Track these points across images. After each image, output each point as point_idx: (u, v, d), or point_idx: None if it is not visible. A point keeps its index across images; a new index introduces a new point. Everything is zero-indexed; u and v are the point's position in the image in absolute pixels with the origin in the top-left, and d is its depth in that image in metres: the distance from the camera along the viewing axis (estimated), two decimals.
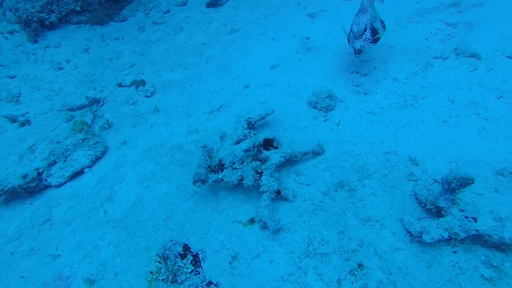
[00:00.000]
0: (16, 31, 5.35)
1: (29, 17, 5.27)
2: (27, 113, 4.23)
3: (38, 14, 5.36)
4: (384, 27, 3.43)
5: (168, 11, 6.71)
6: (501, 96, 2.80)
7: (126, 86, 4.68)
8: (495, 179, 2.16)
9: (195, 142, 3.39)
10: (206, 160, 2.62)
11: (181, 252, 2.18)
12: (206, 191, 2.72)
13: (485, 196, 2.07)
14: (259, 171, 2.44)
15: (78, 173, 3.28)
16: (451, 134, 2.57)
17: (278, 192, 2.35)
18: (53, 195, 3.09)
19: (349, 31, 3.31)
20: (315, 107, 3.23)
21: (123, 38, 5.96)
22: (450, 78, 3.14)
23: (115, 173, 3.28)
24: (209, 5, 6.41)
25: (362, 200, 2.27)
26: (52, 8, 5.50)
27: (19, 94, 4.50)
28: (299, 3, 5.64)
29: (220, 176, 2.49)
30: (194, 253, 2.22)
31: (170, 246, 2.21)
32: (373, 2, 3.64)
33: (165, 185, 3.01)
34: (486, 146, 2.40)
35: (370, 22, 3.09)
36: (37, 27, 5.40)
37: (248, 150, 2.57)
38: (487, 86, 2.93)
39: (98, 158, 3.43)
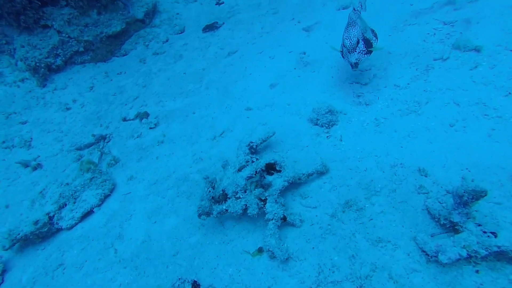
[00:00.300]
0: (27, 78, 5.60)
1: (37, 64, 5.51)
2: (39, 156, 4.35)
3: (45, 59, 5.60)
4: (376, 37, 3.38)
5: (167, 40, 6.87)
6: (510, 93, 2.67)
7: (130, 120, 4.77)
8: None
9: (199, 172, 3.37)
10: (209, 191, 2.59)
11: None
12: (213, 223, 2.68)
13: (504, 206, 1.94)
14: (263, 198, 2.39)
15: (88, 213, 3.31)
16: (460, 139, 2.46)
17: (284, 219, 2.29)
18: (65, 238, 3.12)
19: (340, 46, 3.28)
20: (316, 124, 3.18)
21: (125, 72, 6.12)
22: (453, 79, 3.03)
23: (124, 210, 3.29)
24: (205, 30, 6.53)
25: (371, 219, 2.17)
26: (58, 52, 5.74)
27: (31, 138, 4.65)
28: (293, 18, 5.68)
29: (224, 207, 2.45)
30: None
31: (179, 285, 2.17)
32: (360, 13, 3.59)
33: (173, 218, 2.99)
34: (498, 149, 2.27)
35: (361, 34, 3.06)
36: (45, 72, 5.63)
37: (250, 177, 2.53)
38: (493, 84, 2.81)
39: (107, 196, 3.47)
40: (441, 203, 2.01)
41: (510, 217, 1.84)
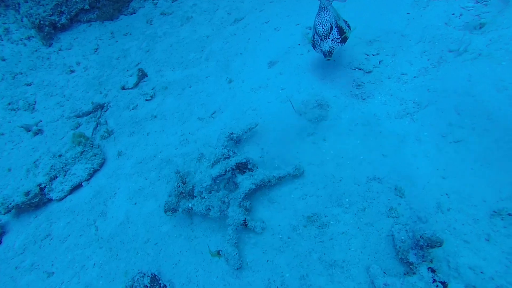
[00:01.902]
0: (33, 37, 5.57)
1: (42, 22, 5.43)
2: (41, 121, 4.48)
3: (50, 17, 5.49)
4: (349, 27, 2.93)
5: None
6: None
7: (129, 89, 4.71)
8: (490, 222, 1.82)
9: (183, 156, 3.34)
10: (179, 186, 2.57)
11: (148, 285, 2.21)
12: (183, 215, 2.70)
13: (472, 246, 1.76)
14: (226, 201, 2.34)
15: (77, 187, 3.44)
16: (449, 158, 2.19)
17: (244, 224, 2.24)
18: (54, 209, 3.30)
19: (312, 34, 2.91)
20: (304, 117, 2.97)
21: (131, 34, 5.93)
22: (463, 80, 2.65)
23: (109, 186, 3.38)
24: None
25: (332, 239, 2.08)
26: (62, 10, 5.60)
27: (35, 101, 4.76)
28: None
29: (190, 205, 2.44)
30: (161, 286, 2.25)
31: (138, 278, 2.26)
32: (331, 2, 3.09)
33: (152, 202, 3.04)
34: (487, 176, 2.01)
35: (334, 20, 2.69)
36: (50, 31, 5.56)
37: (219, 176, 2.46)
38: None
39: (96, 171, 3.56)
40: (407, 232, 1.87)
41: (474, 260, 1.67)
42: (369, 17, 3.84)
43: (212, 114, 3.73)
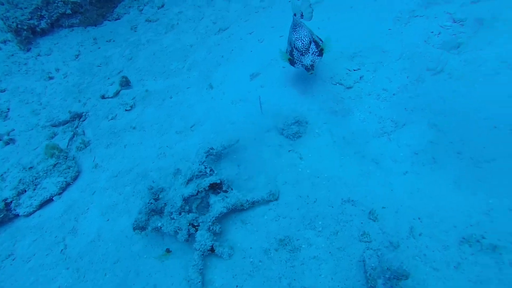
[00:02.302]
0: (9, 40, 5.41)
1: (19, 26, 5.27)
2: (13, 130, 4.32)
3: (28, 21, 5.34)
4: (320, 40, 3.02)
5: (162, 6, 6.41)
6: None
7: (109, 98, 4.60)
8: (459, 249, 1.80)
9: (159, 170, 3.25)
10: (150, 203, 2.48)
11: None
12: (155, 233, 2.60)
13: (441, 274, 1.73)
14: (195, 224, 2.26)
15: (48, 201, 3.31)
16: (423, 180, 2.17)
17: (212, 250, 2.17)
18: (21, 225, 3.16)
19: (288, 50, 2.93)
20: (282, 134, 2.92)
21: (114, 40, 5.82)
22: (439, 100, 2.65)
23: (82, 201, 3.26)
24: None
25: (303, 264, 2.02)
26: (42, 14, 5.45)
27: (8, 109, 4.60)
28: None
29: (159, 224, 2.35)
30: None
31: None
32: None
33: (125, 219, 2.93)
34: (460, 200, 1.99)
35: (310, 35, 2.81)
36: (29, 35, 5.41)
37: (192, 196, 2.39)
38: None
39: (68, 184, 3.43)
40: (379, 257, 1.83)
41: None
42: (352, 31, 3.85)
43: (191, 127, 3.66)
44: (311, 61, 2.80)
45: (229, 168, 2.88)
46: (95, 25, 6.23)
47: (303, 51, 2.79)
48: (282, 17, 4.69)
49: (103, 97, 4.62)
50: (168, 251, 2.20)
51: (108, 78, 5.01)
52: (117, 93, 4.63)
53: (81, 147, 3.84)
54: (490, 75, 2.50)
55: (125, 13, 6.44)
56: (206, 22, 5.39)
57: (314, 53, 2.83)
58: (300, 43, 2.77)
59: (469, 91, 2.58)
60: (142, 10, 6.43)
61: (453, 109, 2.46)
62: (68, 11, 5.67)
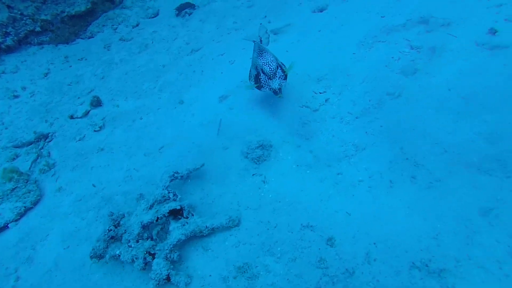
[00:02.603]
0: None
1: None
2: None
3: None
4: (284, 65, 3.20)
5: (137, 25, 6.43)
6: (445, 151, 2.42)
7: (78, 118, 4.51)
8: (409, 274, 1.85)
9: (125, 194, 3.18)
10: (110, 230, 2.41)
11: None
12: (115, 261, 2.52)
13: None
14: (152, 252, 2.22)
15: (2, 229, 3.15)
16: (380, 204, 2.24)
17: (168, 279, 2.13)
18: None
19: (253, 74, 3.08)
20: (247, 157, 2.95)
21: (86, 59, 5.76)
22: (396, 125, 2.76)
23: (42, 227, 3.13)
24: (179, 11, 6.09)
25: None
26: (8, 31, 5.34)
27: None
28: (265, 16, 5.27)
29: (118, 252, 2.29)
30: None
31: None
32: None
33: (86, 246, 2.83)
34: (412, 224, 2.07)
35: (275, 59, 2.95)
36: None
37: (151, 223, 2.35)
38: None
39: (28, 209, 3.30)
40: (334, 284, 1.85)
41: None
42: (320, 55, 3.99)
43: (160, 149, 3.63)
44: (278, 84, 2.91)
45: (194, 192, 2.86)
46: (67, 43, 6.16)
47: (271, 76, 2.91)
48: (254, 39, 4.80)
49: (71, 117, 4.53)
50: None
51: (78, 98, 4.92)
52: (86, 113, 4.55)
53: (44, 170, 3.72)
54: (440, 101, 2.65)
55: (98, 32, 6.41)
56: (179, 43, 5.45)
57: (281, 77, 2.95)
58: (268, 68, 2.89)
59: (423, 117, 2.71)
60: (116, 29, 6.42)
61: (408, 134, 2.57)
62: (38, 29, 5.59)
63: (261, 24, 3.62)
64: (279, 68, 2.97)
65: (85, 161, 3.83)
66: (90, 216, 3.08)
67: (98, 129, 4.21)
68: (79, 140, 4.15)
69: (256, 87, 3.08)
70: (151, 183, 3.20)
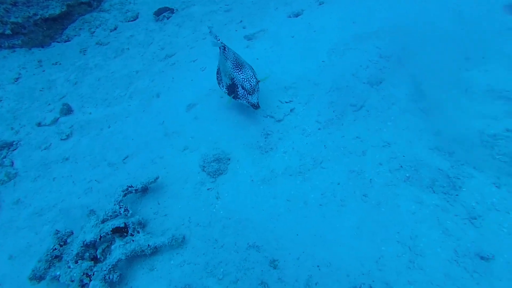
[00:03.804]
0: None
1: None
2: None
3: None
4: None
5: (115, 29, 6.33)
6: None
7: (46, 125, 4.41)
8: None
9: (82, 208, 3.09)
10: (54, 249, 2.33)
11: None
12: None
13: None
14: (90, 273, 2.14)
15: None
16: (328, 225, 2.17)
17: None
18: None
19: (227, 83, 3.08)
20: (204, 170, 2.87)
21: (60, 63, 5.65)
22: (355, 139, 2.70)
23: None
24: (157, 15, 6.01)
25: None
26: None
27: None
28: (241, 21, 5.19)
29: (58, 273, 2.21)
30: None
31: None
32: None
33: (35, 263, 2.74)
34: (358, 247, 2.00)
35: (253, 73, 2.97)
36: None
37: (94, 242, 2.27)
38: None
39: None
40: None
41: None
42: (290, 62, 3.92)
43: (124, 159, 3.54)
44: (257, 98, 2.95)
45: (149, 206, 2.78)
46: (42, 47, 6.04)
47: (250, 91, 2.92)
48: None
49: (39, 124, 4.42)
50: None
51: (49, 104, 4.82)
52: (55, 121, 4.45)
53: (4, 181, 3.62)
54: (398, 114, 2.59)
55: (75, 35, 6.29)
56: (154, 48, 5.36)
57: (258, 90, 2.99)
58: (249, 84, 2.90)
59: (380, 132, 2.65)
60: (94, 33, 6.31)
61: (361, 149, 2.51)
62: (8, 31, 5.46)
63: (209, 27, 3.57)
64: (257, 83, 2.98)
65: (48, 171, 3.73)
66: (44, 231, 2.99)
67: (65, 137, 4.12)
68: (45, 149, 4.05)
69: (232, 97, 3.04)
70: (111, 195, 3.11)
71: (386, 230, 1.97)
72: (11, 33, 5.39)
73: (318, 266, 1.97)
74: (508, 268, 1.66)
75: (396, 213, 2.03)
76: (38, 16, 5.64)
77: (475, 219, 1.87)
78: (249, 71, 2.88)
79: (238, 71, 2.92)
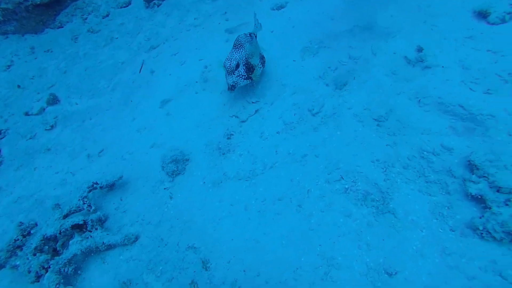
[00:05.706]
0: None
1: None
2: None
3: None
4: (263, 64, 3.25)
5: (107, 15, 6.37)
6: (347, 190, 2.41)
7: (33, 115, 4.62)
8: None
9: (56, 198, 3.32)
10: (17, 240, 2.56)
11: None
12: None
13: None
14: (46, 266, 2.36)
15: None
16: (261, 232, 2.29)
17: None
18: None
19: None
20: (163, 170, 3.02)
21: (52, 51, 5.79)
22: (309, 146, 2.76)
23: None
24: (148, 2, 6.00)
25: None
26: None
27: None
28: (225, 12, 5.14)
29: (18, 263, 2.44)
30: None
31: None
32: (254, 37, 3.31)
33: None
34: (282, 256, 2.11)
35: (244, 58, 2.96)
36: None
37: (54, 237, 2.48)
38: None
39: None
40: None
41: None
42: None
43: (99, 152, 3.72)
44: (233, 81, 2.98)
45: (113, 202, 2.97)
46: (36, 33, 6.17)
47: (229, 72, 2.97)
48: (211, 38, 4.75)
49: (27, 113, 4.63)
50: None
51: (38, 93, 5.01)
52: (41, 110, 4.65)
53: None
54: (352, 122, 2.64)
55: (68, 22, 6.39)
56: (141, 38, 5.40)
57: (240, 76, 3.01)
58: (228, 63, 2.95)
59: (340, 137, 2.70)
60: (86, 19, 6.39)
61: (310, 161, 2.59)
62: None
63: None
64: (243, 67, 2.99)
65: (30, 160, 3.96)
66: (19, 219, 3.24)
67: (50, 128, 4.31)
68: (30, 138, 4.27)
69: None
70: (83, 188, 3.32)
71: (309, 241, 2.08)
72: (2, 19, 5.51)
73: (244, 270, 2.11)
74: (405, 285, 1.77)
75: (323, 225, 2.13)
76: (29, 2, 5.72)
77: (393, 234, 1.96)
78: (237, 54, 2.91)
79: (233, 48, 2.98)
